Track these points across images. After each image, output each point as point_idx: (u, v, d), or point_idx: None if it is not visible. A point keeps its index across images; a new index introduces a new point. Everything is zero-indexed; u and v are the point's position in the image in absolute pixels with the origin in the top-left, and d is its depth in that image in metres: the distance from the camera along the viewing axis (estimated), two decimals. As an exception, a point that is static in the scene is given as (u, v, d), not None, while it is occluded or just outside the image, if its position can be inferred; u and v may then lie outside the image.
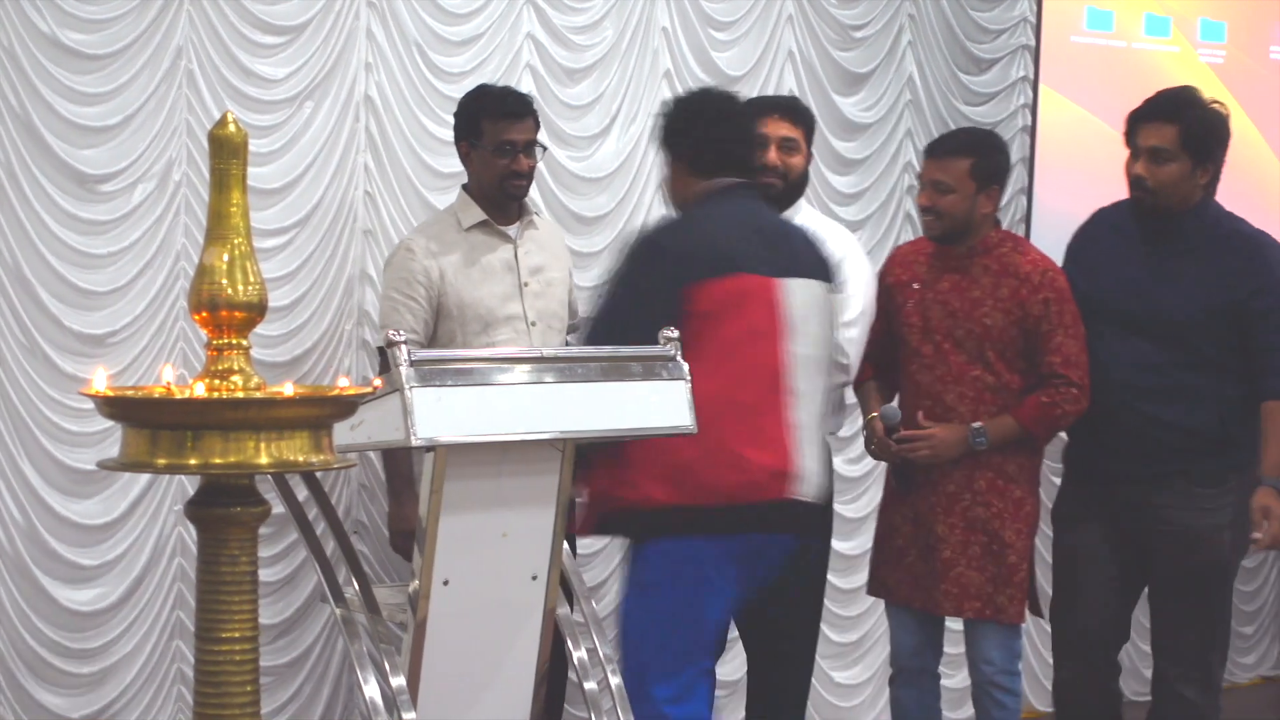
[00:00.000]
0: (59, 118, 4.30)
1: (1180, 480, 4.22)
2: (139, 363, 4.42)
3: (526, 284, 4.49)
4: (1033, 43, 5.85)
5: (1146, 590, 4.41)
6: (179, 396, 2.72)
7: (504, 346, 4.33)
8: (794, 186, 4.43)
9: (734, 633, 4.59)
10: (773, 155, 4.37)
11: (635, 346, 3.65)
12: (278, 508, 3.61)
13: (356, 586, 3.50)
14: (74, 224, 4.34)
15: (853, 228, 5.66)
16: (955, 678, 5.38)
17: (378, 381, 3.23)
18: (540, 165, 4.66)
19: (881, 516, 4.55)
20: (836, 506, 5.56)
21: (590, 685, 3.71)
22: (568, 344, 4.48)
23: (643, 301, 3.77)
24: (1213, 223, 4.26)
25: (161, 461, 2.70)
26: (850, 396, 4.54)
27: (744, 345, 3.79)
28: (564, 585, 3.72)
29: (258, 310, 2.83)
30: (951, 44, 5.88)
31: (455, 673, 3.50)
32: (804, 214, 4.48)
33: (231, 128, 2.85)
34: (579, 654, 3.72)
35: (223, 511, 2.82)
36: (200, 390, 2.75)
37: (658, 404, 3.58)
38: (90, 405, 2.95)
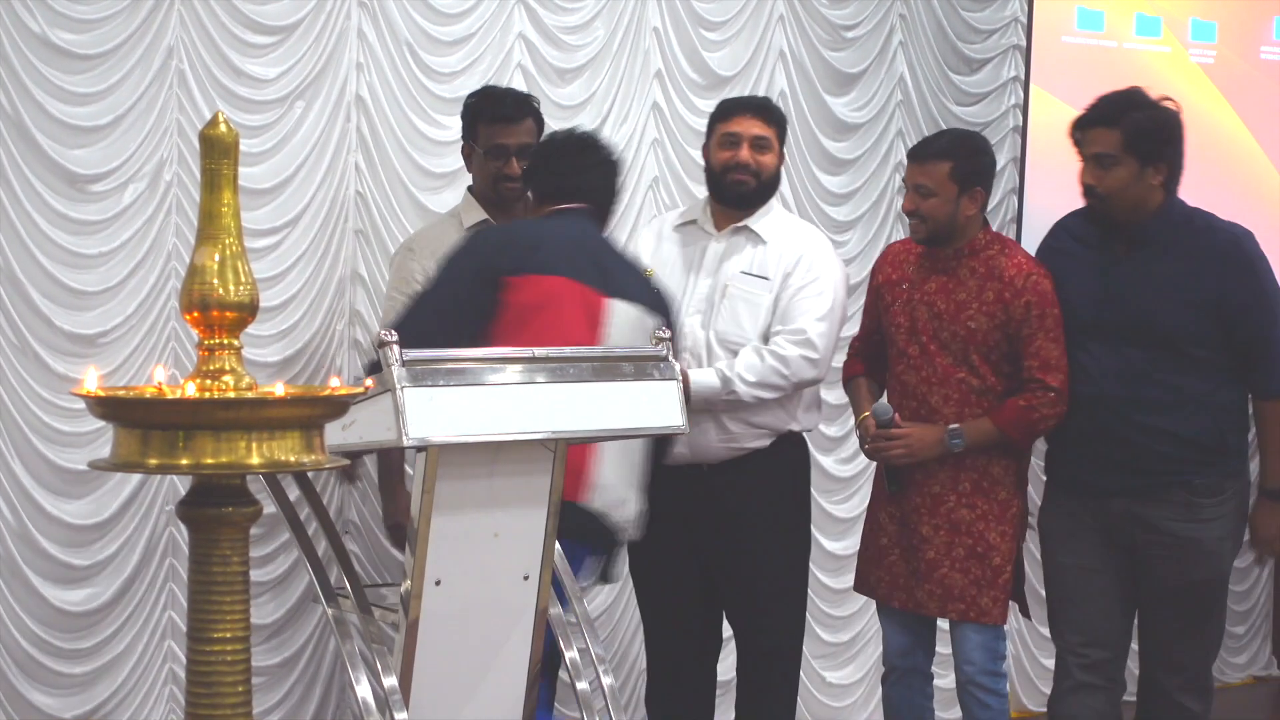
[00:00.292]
0: (50, 117, 4.30)
1: (1180, 492, 4.15)
2: (130, 363, 4.41)
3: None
4: (1023, 43, 5.83)
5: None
6: (170, 397, 2.73)
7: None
8: (766, 185, 4.43)
9: (729, 631, 4.60)
10: (745, 153, 4.38)
11: (625, 347, 3.67)
12: (269, 508, 3.62)
13: (348, 586, 3.50)
14: (65, 224, 4.33)
15: (844, 227, 5.68)
16: (948, 677, 5.37)
17: (369, 381, 3.23)
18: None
19: (868, 515, 4.54)
20: (828, 506, 5.59)
21: (582, 685, 3.71)
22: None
23: (459, 279, 3.84)
24: (1183, 221, 4.19)
25: (153, 462, 2.70)
26: (838, 396, 4.52)
27: (555, 341, 3.70)
28: (555, 585, 3.72)
29: (249, 310, 2.83)
30: (942, 44, 5.88)
31: (447, 673, 3.49)
32: (775, 213, 4.48)
33: (222, 128, 2.85)
34: (570, 654, 3.71)
35: (214, 512, 2.82)
36: (192, 390, 2.75)
37: (649, 404, 3.59)
38: (82, 405, 2.95)
